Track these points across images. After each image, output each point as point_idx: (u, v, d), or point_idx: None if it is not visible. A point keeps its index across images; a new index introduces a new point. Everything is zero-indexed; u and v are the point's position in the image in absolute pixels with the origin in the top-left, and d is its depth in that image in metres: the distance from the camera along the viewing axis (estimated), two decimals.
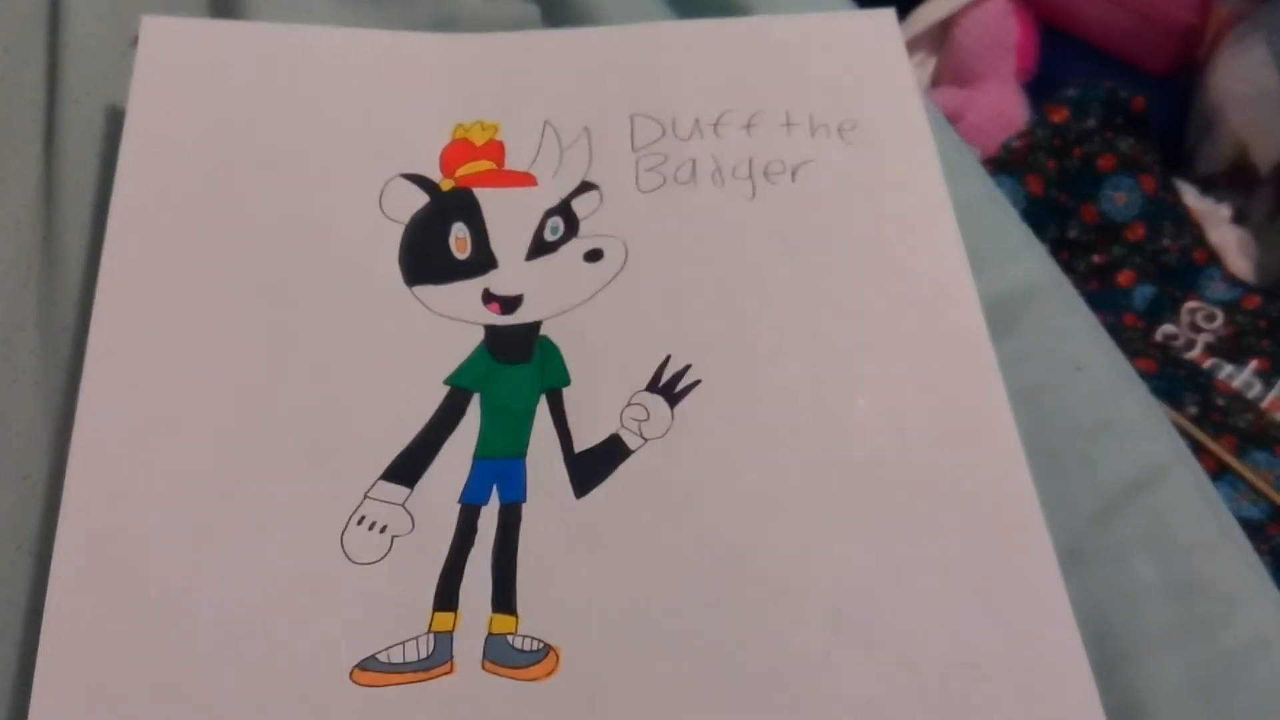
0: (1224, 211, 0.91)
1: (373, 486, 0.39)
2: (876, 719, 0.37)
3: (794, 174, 0.47)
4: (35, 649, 0.35)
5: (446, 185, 0.46)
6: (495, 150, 0.47)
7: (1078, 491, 0.43)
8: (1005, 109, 0.96)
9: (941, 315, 0.44)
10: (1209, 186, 0.93)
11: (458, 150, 0.47)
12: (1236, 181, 0.94)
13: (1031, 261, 0.49)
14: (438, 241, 0.45)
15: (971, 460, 0.41)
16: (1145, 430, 0.45)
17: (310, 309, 0.43)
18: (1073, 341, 0.47)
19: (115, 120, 0.46)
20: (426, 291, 0.44)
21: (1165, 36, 1.00)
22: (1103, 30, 1.02)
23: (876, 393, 0.43)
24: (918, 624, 0.38)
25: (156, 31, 0.47)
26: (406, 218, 0.45)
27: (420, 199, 0.46)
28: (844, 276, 0.45)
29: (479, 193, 0.46)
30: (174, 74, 0.46)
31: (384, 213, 0.45)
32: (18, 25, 0.50)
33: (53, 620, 0.36)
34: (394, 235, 0.45)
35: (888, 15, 0.52)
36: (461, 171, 0.46)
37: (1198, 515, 0.43)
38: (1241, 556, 0.43)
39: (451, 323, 0.43)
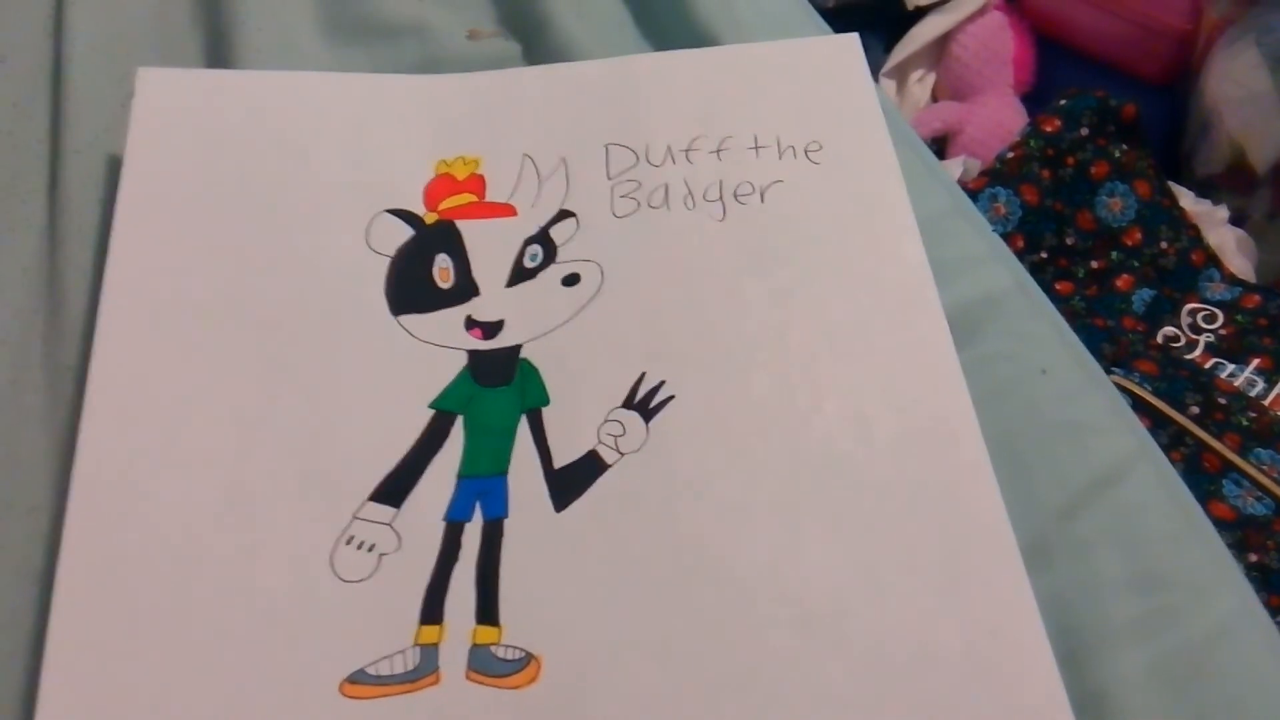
0: (1221, 213, 0.91)
1: (361, 507, 0.41)
2: (847, 716, 0.38)
3: (763, 195, 0.49)
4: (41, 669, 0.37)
5: (430, 218, 0.48)
6: (476, 183, 0.49)
7: (1044, 489, 0.44)
8: (1004, 121, 0.97)
9: (907, 324, 0.46)
10: (1208, 189, 0.94)
11: (440, 185, 0.49)
12: (1235, 183, 0.94)
13: (997, 270, 0.51)
14: (422, 272, 0.47)
15: (937, 463, 0.43)
16: (1111, 429, 0.47)
17: (301, 341, 0.45)
18: (1038, 346, 0.49)
19: (116, 169, 0.48)
20: (411, 320, 0.46)
21: (1159, 44, 1.01)
22: (1098, 40, 1.03)
23: (844, 401, 0.44)
24: (885, 623, 0.40)
25: (152, 82, 0.49)
26: (392, 251, 0.47)
27: (405, 233, 0.48)
28: (812, 290, 0.47)
29: (461, 224, 0.48)
30: (169, 122, 0.49)
31: (370, 247, 0.47)
32: (23, 81, 0.53)
33: (55, 641, 0.38)
34: (380, 268, 0.47)
35: (851, 40, 0.54)
36: (444, 205, 0.49)
37: (1163, 509, 0.45)
38: (1207, 548, 0.44)
39: (436, 349, 0.45)
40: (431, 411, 0.44)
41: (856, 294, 0.47)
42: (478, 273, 0.47)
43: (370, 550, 0.40)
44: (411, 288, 0.47)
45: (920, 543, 0.41)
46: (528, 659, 0.39)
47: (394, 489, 0.42)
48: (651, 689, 0.39)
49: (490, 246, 0.48)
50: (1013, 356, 0.48)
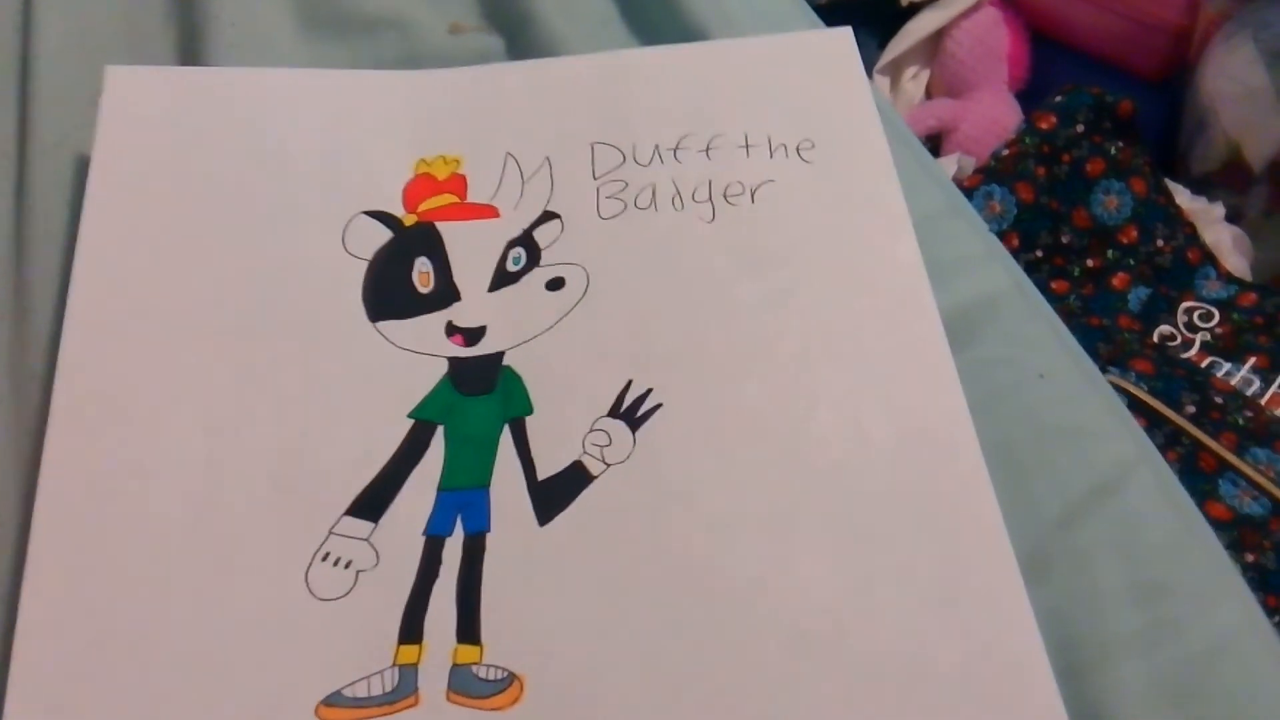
0: (1217, 210, 0.90)
1: (337, 522, 0.40)
2: None
3: (753, 195, 0.48)
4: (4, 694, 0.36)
5: (409, 220, 0.47)
6: (457, 184, 0.48)
7: (1042, 497, 0.43)
8: (999, 118, 0.97)
9: (901, 328, 0.45)
10: (1204, 186, 0.93)
11: (420, 185, 0.48)
12: (1231, 180, 0.93)
13: (994, 271, 0.50)
14: (401, 277, 0.45)
15: (932, 471, 0.41)
16: (1110, 434, 0.45)
17: (275, 348, 0.43)
18: (1036, 349, 0.47)
19: (85, 170, 0.46)
20: (390, 327, 0.44)
21: (1155, 39, 1.00)
22: (1093, 36, 1.02)
23: (837, 408, 0.43)
24: (880, 638, 0.38)
25: (120, 81, 0.48)
26: (370, 254, 0.46)
27: (383, 235, 0.46)
28: (804, 293, 0.46)
29: (442, 226, 0.47)
30: (138, 122, 0.47)
31: (347, 250, 0.46)
32: None
33: (20, 662, 0.36)
34: (357, 272, 0.45)
35: (844, 34, 0.52)
36: (424, 206, 0.47)
37: (1163, 518, 0.43)
38: (1208, 557, 0.43)
39: (415, 356, 0.44)
40: (410, 421, 0.42)
41: (850, 297, 0.45)
42: (459, 277, 0.46)
43: (347, 567, 0.39)
44: (390, 292, 0.45)
45: (916, 555, 0.40)
46: (510, 679, 0.37)
47: (372, 503, 0.40)
48: (638, 710, 0.37)
49: (471, 249, 0.46)
50: (1010, 360, 0.47)
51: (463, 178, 0.48)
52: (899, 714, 0.37)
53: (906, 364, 0.44)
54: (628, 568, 0.40)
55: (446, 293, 0.45)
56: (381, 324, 0.44)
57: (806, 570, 0.40)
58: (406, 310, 0.45)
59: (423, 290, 0.45)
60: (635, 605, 0.39)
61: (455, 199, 0.47)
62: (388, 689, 0.37)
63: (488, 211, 0.47)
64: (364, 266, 0.45)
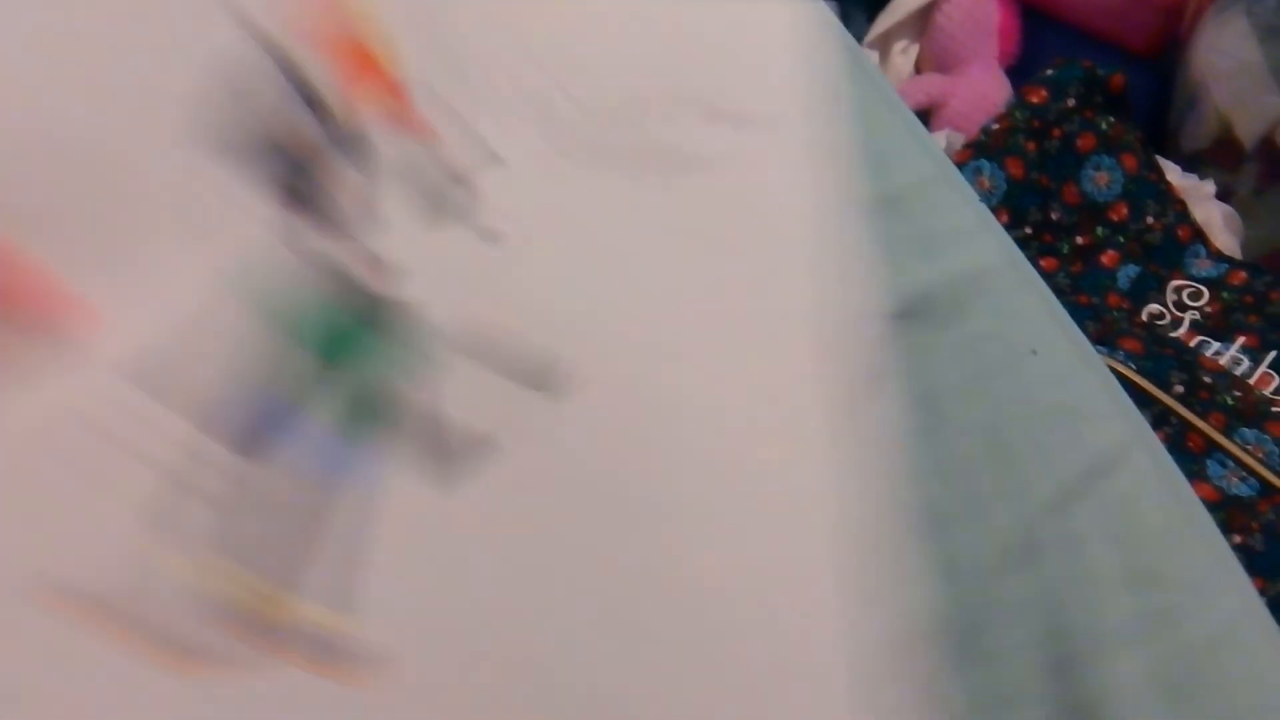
0: (1208, 188, 0.89)
1: (200, 447, 0.36)
2: None
3: (709, 168, 0.45)
4: None
5: (340, 114, 0.42)
6: (399, 90, 0.43)
7: (1033, 480, 0.41)
8: (989, 93, 0.96)
9: (840, 317, 0.43)
10: (1194, 163, 0.92)
11: (357, 66, 0.43)
12: (1221, 157, 0.93)
13: (985, 243, 0.48)
14: (319, 178, 0.41)
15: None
16: (1104, 414, 0.44)
17: None
18: (1028, 324, 0.46)
19: None
20: (296, 224, 0.40)
21: (1147, 14, 0.99)
22: (1084, 10, 1.02)
23: (769, 398, 0.41)
24: (809, 629, 0.37)
25: None
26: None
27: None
28: (748, 273, 0.43)
29: (378, 138, 0.42)
30: None
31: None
32: None
33: None
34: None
35: (816, 8, 0.50)
36: (359, 98, 0.42)
37: (1160, 502, 0.42)
38: (1207, 544, 0.42)
39: (319, 273, 0.40)
40: (300, 348, 0.38)
41: (795, 280, 0.43)
42: (386, 204, 0.41)
43: (206, 505, 0.35)
44: (302, 190, 0.40)
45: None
46: (382, 656, 0.34)
47: (244, 432, 0.36)
48: (523, 699, 0.35)
49: (406, 177, 0.42)
50: (1000, 336, 0.45)
51: (405, 87, 0.44)
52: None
53: (842, 355, 0.42)
54: (534, 550, 0.37)
55: (370, 218, 0.41)
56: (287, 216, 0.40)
57: (728, 560, 0.38)
58: (322, 217, 0.40)
59: (342, 207, 0.41)
60: (538, 593, 0.36)
61: (396, 104, 0.43)
62: (249, 648, 0.34)
63: (429, 134, 0.43)
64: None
